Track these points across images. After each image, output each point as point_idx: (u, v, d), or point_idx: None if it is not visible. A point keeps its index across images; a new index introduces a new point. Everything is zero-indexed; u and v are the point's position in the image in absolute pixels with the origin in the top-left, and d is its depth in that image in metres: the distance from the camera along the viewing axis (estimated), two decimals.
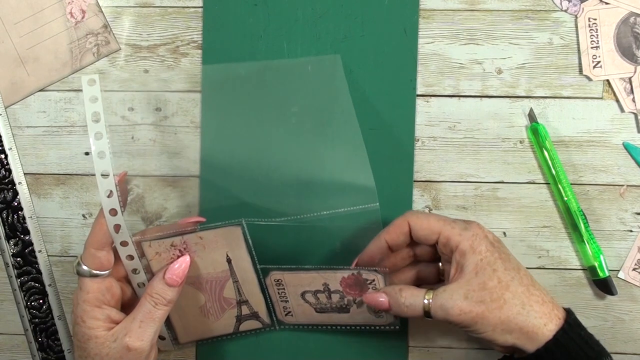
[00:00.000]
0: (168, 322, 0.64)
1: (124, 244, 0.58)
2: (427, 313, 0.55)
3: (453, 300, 0.53)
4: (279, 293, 0.63)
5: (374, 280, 0.59)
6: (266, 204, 0.65)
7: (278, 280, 0.62)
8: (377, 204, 0.62)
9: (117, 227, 0.56)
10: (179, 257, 0.60)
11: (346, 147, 0.64)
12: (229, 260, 0.62)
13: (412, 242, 0.59)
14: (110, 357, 0.55)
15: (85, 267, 0.56)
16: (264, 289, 0.63)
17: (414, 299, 0.55)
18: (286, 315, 0.64)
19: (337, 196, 0.64)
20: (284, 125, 0.65)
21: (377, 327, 0.63)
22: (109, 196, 0.55)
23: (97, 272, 0.56)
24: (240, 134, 0.66)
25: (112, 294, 0.58)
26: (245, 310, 0.64)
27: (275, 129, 0.65)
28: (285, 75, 0.66)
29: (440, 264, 0.60)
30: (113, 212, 0.55)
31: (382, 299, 0.57)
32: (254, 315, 0.65)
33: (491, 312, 0.52)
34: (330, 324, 0.63)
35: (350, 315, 0.62)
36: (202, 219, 0.60)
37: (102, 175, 0.55)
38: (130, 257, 0.59)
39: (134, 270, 0.60)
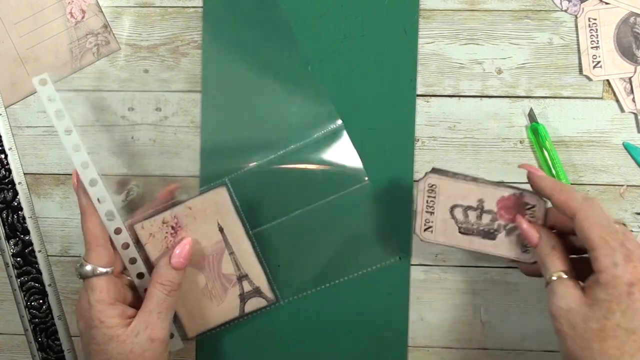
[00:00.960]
0: (175, 317, 0.64)
1: (117, 231, 0.58)
2: (546, 283, 0.53)
3: (560, 301, 0.51)
4: (427, 201, 0.59)
5: (534, 206, 0.56)
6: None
7: (432, 186, 0.58)
8: (339, 120, 0.65)
9: (110, 214, 0.57)
10: (172, 234, 0.61)
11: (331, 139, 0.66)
12: (221, 229, 0.63)
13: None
14: (134, 354, 0.55)
15: (89, 267, 0.56)
16: (260, 259, 0.64)
17: (551, 264, 0.53)
18: (425, 230, 0.60)
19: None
20: (283, 125, 0.66)
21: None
22: (93, 185, 0.57)
23: (103, 269, 0.56)
24: (241, 133, 0.66)
25: (119, 290, 0.57)
26: (247, 286, 0.64)
27: (275, 128, 0.66)
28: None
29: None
30: (102, 199, 0.57)
31: (533, 233, 0.55)
32: (257, 291, 0.65)
33: (572, 344, 0.50)
34: (469, 249, 0.59)
35: (495, 244, 0.59)
36: (178, 185, 0.61)
37: (82, 166, 0.57)
38: (126, 245, 0.59)
39: (132, 260, 0.60)
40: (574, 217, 0.51)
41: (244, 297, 0.65)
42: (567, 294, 0.51)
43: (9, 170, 0.68)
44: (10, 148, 0.67)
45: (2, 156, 0.67)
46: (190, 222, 0.62)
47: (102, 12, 0.67)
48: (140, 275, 0.61)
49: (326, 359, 0.66)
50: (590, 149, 0.65)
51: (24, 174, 0.68)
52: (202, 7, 0.66)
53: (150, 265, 0.62)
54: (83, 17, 0.67)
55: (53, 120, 0.57)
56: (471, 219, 0.58)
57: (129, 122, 0.67)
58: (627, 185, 0.65)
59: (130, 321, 0.56)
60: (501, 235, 0.58)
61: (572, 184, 0.64)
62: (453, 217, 0.59)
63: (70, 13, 0.67)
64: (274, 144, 0.66)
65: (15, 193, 0.68)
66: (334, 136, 0.65)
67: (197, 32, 0.67)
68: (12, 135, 0.68)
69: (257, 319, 0.66)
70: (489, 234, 0.58)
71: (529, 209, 0.57)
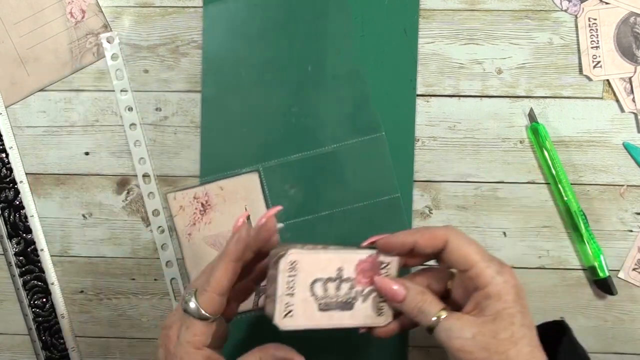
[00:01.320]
0: None
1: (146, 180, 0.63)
2: (430, 328, 0.53)
3: (461, 332, 0.51)
4: (288, 282, 0.58)
5: (388, 264, 0.57)
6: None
7: (293, 264, 0.57)
8: (383, 133, 0.65)
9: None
10: (200, 212, 0.63)
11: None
12: (247, 217, 0.63)
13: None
14: None
15: (194, 306, 0.53)
16: None
17: (429, 308, 0.54)
18: (285, 316, 0.59)
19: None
20: (283, 125, 0.66)
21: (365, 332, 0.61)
22: (133, 130, 0.62)
23: (208, 315, 0.53)
24: (241, 132, 0.66)
25: (212, 335, 0.55)
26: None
27: (275, 128, 0.66)
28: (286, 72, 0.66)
29: (448, 282, 0.58)
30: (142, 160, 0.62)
31: (399, 288, 0.55)
32: None
33: None
34: (328, 326, 0.59)
35: (352, 314, 0.59)
36: (279, 207, 0.58)
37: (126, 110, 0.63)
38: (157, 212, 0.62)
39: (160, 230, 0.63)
40: (445, 243, 0.53)
41: (259, 291, 0.65)
42: (464, 323, 0.52)
43: (10, 169, 0.68)
44: (11, 147, 0.68)
45: (3, 155, 0.68)
46: (219, 202, 0.64)
47: (102, 12, 0.67)
48: (164, 247, 0.61)
49: (326, 359, 0.67)
50: (590, 149, 0.65)
51: (25, 173, 0.68)
52: (202, 7, 0.66)
53: (177, 235, 0.64)
54: (83, 17, 0.67)
55: (112, 77, 0.60)
56: (330, 292, 0.58)
57: (129, 122, 0.67)
58: (627, 185, 0.65)
59: None
60: (358, 303, 0.58)
61: (572, 184, 0.64)
62: (313, 293, 0.57)
63: (70, 13, 0.67)
64: (302, 140, 0.66)
65: (17, 192, 0.68)
66: (374, 145, 0.65)
67: (197, 32, 0.67)
68: (13, 135, 0.68)
69: (260, 315, 0.67)
70: (347, 305, 0.58)
71: (383, 267, 0.57)
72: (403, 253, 0.57)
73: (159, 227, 0.66)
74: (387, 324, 0.58)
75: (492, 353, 0.51)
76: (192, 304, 0.53)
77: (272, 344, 0.57)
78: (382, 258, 0.57)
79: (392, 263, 0.57)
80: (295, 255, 0.57)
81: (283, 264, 0.57)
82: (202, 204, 0.65)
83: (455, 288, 0.57)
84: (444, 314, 0.53)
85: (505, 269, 0.52)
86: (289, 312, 0.58)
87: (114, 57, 0.67)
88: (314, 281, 0.58)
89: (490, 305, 0.52)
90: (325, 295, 0.58)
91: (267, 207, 0.65)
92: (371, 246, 0.57)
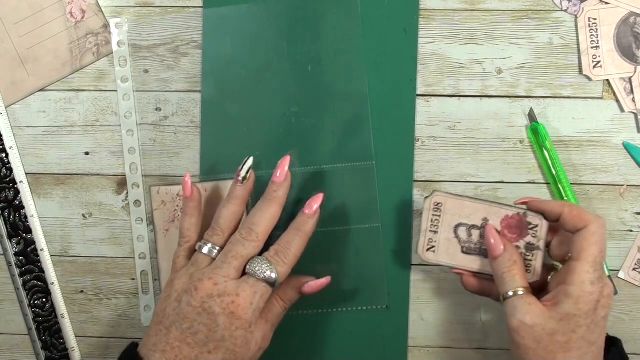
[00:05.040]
0: (160, 290, 0.66)
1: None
2: (503, 298, 0.55)
3: (524, 316, 0.52)
4: (432, 220, 0.60)
5: (537, 226, 0.58)
6: None
7: (438, 205, 0.60)
8: (373, 162, 0.65)
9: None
10: (181, 210, 0.64)
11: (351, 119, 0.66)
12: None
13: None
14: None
15: (276, 277, 0.57)
16: None
17: (512, 279, 0.55)
18: (427, 250, 0.61)
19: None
20: (283, 125, 0.66)
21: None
22: (128, 118, 0.63)
23: (279, 284, 0.58)
24: (240, 133, 0.66)
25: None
26: None
27: (275, 128, 0.66)
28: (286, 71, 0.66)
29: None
30: (132, 150, 0.64)
31: (498, 246, 0.56)
32: None
33: (534, 356, 0.52)
34: (471, 269, 0.60)
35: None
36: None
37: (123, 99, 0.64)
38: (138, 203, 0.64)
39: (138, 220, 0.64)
40: (586, 227, 0.53)
41: None
42: (531, 309, 0.53)
43: (10, 169, 0.68)
44: (11, 147, 0.68)
45: (3, 155, 0.68)
46: (202, 203, 0.63)
47: (102, 12, 0.67)
48: (140, 238, 0.62)
49: (326, 359, 0.67)
50: (590, 149, 0.65)
51: (25, 173, 0.68)
52: (202, 7, 0.66)
53: (154, 229, 0.65)
54: (83, 17, 0.67)
55: (115, 63, 0.61)
56: (474, 238, 0.59)
57: (129, 122, 0.67)
58: (627, 185, 0.65)
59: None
60: None
61: (572, 184, 0.64)
62: (457, 236, 0.60)
63: (70, 13, 0.67)
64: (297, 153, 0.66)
65: (17, 192, 0.68)
66: (363, 172, 0.65)
67: (197, 32, 0.67)
68: (13, 135, 0.68)
69: None
70: None
71: (531, 228, 0.58)
72: (551, 220, 0.57)
73: (138, 217, 0.66)
74: (531, 281, 0.58)
75: (541, 349, 0.52)
76: (274, 275, 0.56)
77: (286, 279, 0.59)
78: (531, 219, 0.58)
79: (542, 227, 0.58)
80: (441, 197, 0.60)
81: (428, 203, 0.60)
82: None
83: (554, 277, 0.57)
84: (520, 291, 0.54)
85: (601, 284, 0.53)
86: (432, 247, 0.61)
87: (120, 43, 0.67)
88: (458, 225, 0.60)
89: (564, 305, 0.52)
90: (469, 240, 0.60)
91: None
92: (517, 207, 0.58)
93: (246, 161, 0.60)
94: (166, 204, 0.65)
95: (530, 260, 0.58)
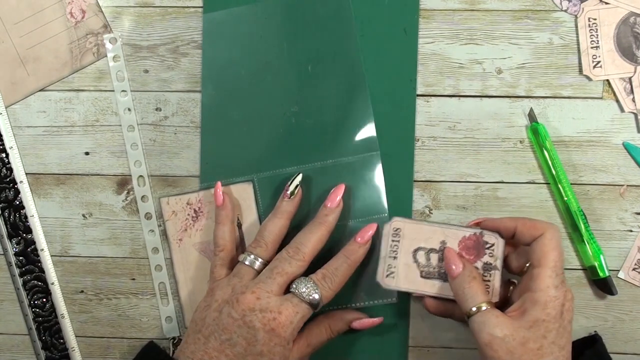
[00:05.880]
0: (178, 301, 0.66)
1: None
2: (467, 316, 0.55)
3: (494, 329, 0.53)
4: (391, 245, 0.61)
5: (493, 245, 0.59)
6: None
7: (397, 230, 0.60)
8: (378, 151, 0.65)
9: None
10: (193, 218, 0.65)
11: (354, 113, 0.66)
12: (239, 225, 0.64)
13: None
14: None
15: (318, 299, 0.57)
16: None
17: (474, 295, 0.55)
18: (387, 276, 0.61)
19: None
20: (283, 125, 0.66)
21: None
22: (131, 130, 0.65)
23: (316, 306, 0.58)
24: (240, 131, 0.66)
25: None
26: None
27: (275, 128, 0.66)
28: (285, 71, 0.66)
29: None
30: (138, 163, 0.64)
31: (457, 265, 0.57)
32: None
33: None
34: (430, 293, 0.61)
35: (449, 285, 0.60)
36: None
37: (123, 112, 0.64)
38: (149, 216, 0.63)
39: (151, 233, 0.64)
40: (542, 234, 0.55)
41: None
42: (499, 322, 0.53)
43: (10, 169, 0.68)
44: (11, 147, 0.68)
45: (3, 155, 0.68)
46: (212, 210, 0.65)
47: (102, 12, 0.67)
48: (154, 250, 0.63)
49: (326, 359, 0.66)
50: (590, 149, 0.65)
51: (25, 173, 0.68)
52: (202, 7, 0.66)
53: (167, 239, 0.65)
54: (83, 17, 0.67)
55: (113, 78, 0.62)
56: (433, 261, 0.60)
57: (129, 122, 0.67)
58: (627, 185, 0.65)
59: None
60: None
61: (572, 184, 0.64)
62: (415, 260, 0.60)
63: (70, 13, 0.67)
64: (297, 152, 0.66)
65: (17, 192, 0.68)
66: (367, 163, 0.65)
67: (197, 32, 0.67)
68: (13, 135, 0.68)
69: None
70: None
71: (488, 247, 0.59)
72: (506, 236, 0.59)
73: (151, 230, 0.66)
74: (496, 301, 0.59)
75: (515, 359, 0.52)
76: (318, 297, 0.57)
77: (338, 311, 0.61)
78: (487, 238, 0.59)
79: (498, 245, 0.59)
80: (399, 223, 0.60)
81: (387, 229, 0.61)
82: (195, 211, 0.65)
83: (514, 290, 0.59)
84: (484, 306, 0.54)
85: (564, 288, 0.54)
86: (391, 273, 0.61)
87: (115, 58, 0.66)
88: (417, 249, 0.60)
89: (532, 311, 0.53)
90: (428, 265, 0.60)
91: (260, 218, 0.65)
92: (473, 227, 0.60)
93: (295, 177, 0.62)
94: (177, 214, 0.65)
95: (489, 281, 0.59)
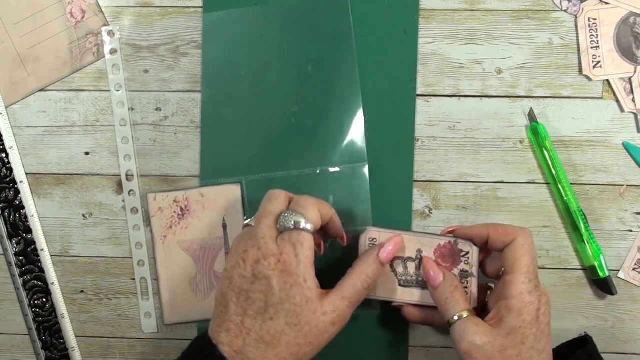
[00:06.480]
0: (158, 297, 0.65)
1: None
2: (449, 324, 0.55)
3: (473, 337, 0.53)
4: None
5: (468, 253, 0.59)
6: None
7: (373, 240, 0.60)
8: (366, 162, 0.65)
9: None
10: (179, 216, 0.65)
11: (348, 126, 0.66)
12: (224, 226, 0.64)
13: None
14: (318, 330, 0.54)
15: (302, 219, 0.54)
16: None
17: (455, 303, 0.56)
18: None
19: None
20: (283, 125, 0.66)
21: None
22: (123, 125, 0.64)
23: (312, 226, 0.55)
24: (240, 131, 0.66)
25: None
26: None
27: (274, 128, 0.66)
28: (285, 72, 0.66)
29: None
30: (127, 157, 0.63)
31: (437, 275, 0.57)
32: None
33: None
34: (410, 302, 0.61)
35: (429, 293, 0.60)
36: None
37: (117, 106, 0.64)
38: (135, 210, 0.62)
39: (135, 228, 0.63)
40: (514, 239, 0.55)
41: None
42: (478, 330, 0.53)
43: (10, 169, 0.68)
44: (11, 147, 0.68)
45: (3, 155, 0.68)
46: (199, 209, 0.64)
47: (102, 12, 0.67)
48: (138, 245, 0.63)
49: (327, 351, 0.66)
50: (590, 149, 0.65)
51: (25, 173, 0.68)
52: (202, 7, 0.66)
53: (152, 235, 0.65)
54: (83, 17, 0.67)
55: (108, 71, 0.61)
56: (410, 270, 0.60)
57: (129, 122, 0.67)
58: (627, 185, 0.65)
59: (320, 292, 0.55)
60: None
61: (572, 184, 0.64)
62: (393, 270, 0.60)
63: (70, 13, 0.67)
64: (288, 157, 0.66)
65: (17, 192, 0.68)
66: (354, 173, 0.65)
67: (197, 32, 0.67)
68: (13, 135, 0.68)
69: None
70: (426, 284, 0.60)
71: (463, 255, 0.59)
72: (480, 244, 0.59)
73: (136, 225, 0.66)
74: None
75: None
76: (302, 219, 0.54)
77: (360, 260, 0.59)
78: (462, 247, 0.59)
79: (473, 253, 0.59)
80: (375, 233, 0.60)
81: (363, 239, 0.60)
82: (181, 208, 0.65)
83: (491, 295, 0.59)
84: (465, 314, 0.55)
85: (538, 293, 0.54)
86: None
87: (112, 51, 0.67)
88: (394, 259, 0.60)
89: (508, 319, 0.53)
90: (405, 273, 0.60)
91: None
92: (447, 236, 0.60)
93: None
94: (163, 211, 0.65)
95: (466, 287, 0.59)
